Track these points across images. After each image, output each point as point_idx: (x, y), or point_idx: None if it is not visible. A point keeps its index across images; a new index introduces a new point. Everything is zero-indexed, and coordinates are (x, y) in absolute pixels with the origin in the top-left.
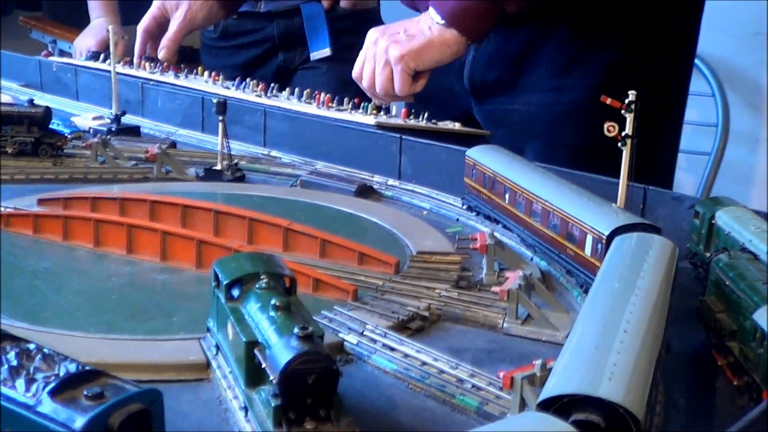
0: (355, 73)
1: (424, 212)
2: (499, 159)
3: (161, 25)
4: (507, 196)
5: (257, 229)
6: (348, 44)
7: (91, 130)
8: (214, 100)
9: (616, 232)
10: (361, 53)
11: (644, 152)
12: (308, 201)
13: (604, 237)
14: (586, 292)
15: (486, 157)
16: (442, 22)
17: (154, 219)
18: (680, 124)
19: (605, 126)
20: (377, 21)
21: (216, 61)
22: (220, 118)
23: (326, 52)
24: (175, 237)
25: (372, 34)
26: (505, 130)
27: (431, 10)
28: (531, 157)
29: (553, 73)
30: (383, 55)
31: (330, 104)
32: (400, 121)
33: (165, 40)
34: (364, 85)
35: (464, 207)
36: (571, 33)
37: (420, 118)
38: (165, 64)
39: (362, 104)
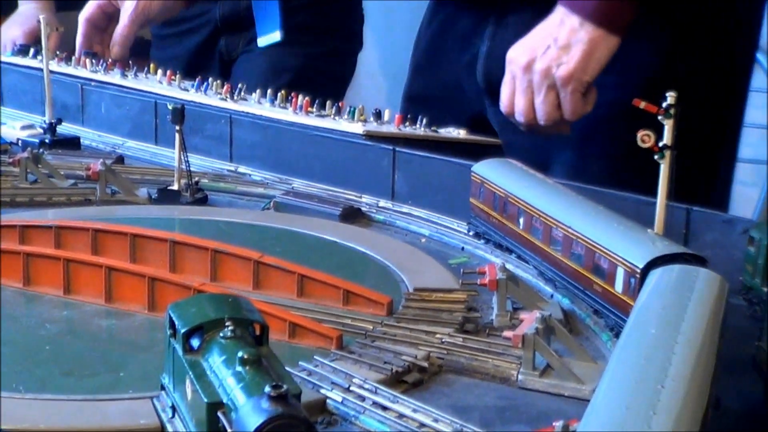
0: (505, 108)
1: (423, 240)
2: (512, 175)
3: (108, 15)
4: (521, 220)
5: (222, 262)
6: (298, 26)
7: (20, 142)
8: (170, 106)
9: (653, 263)
10: (506, 83)
11: (695, 164)
12: (284, 227)
13: (639, 270)
14: (617, 336)
15: (496, 173)
16: (587, 21)
17: (97, 252)
18: (739, 127)
19: (638, 135)
20: (352, 2)
21: (162, 52)
22: (177, 127)
23: (275, 36)
24: (123, 273)
25: (518, 57)
26: (526, 138)
27: (562, 10)
28: (559, 172)
29: None
30: (544, 79)
31: (309, 109)
32: (393, 129)
33: (117, 36)
34: (521, 120)
35: (470, 233)
36: None
37: (417, 125)
38: (110, 60)
39: (349, 108)
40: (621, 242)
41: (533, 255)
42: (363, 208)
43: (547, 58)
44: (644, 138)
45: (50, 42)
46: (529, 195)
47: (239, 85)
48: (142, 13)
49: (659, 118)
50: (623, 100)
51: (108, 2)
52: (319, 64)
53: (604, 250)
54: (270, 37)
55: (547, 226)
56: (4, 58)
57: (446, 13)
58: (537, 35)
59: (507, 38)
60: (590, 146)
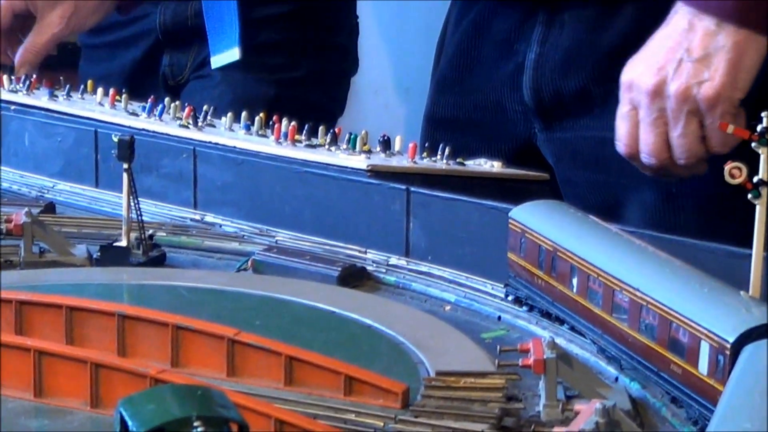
0: (625, 148)
1: (447, 308)
2: (564, 222)
3: (21, 17)
4: (576, 281)
5: (187, 342)
6: (266, 45)
7: None
8: (115, 137)
9: (748, 337)
10: (624, 116)
11: None
12: (265, 294)
13: (729, 345)
14: (702, 431)
15: (542, 220)
16: (726, 22)
17: (22, 331)
18: None
19: (726, 168)
20: (339, 10)
21: (91, 67)
22: (125, 165)
23: (233, 54)
24: (57, 359)
25: (641, 80)
26: (589, 172)
27: (687, 10)
28: (634, 217)
29: None
30: (682, 104)
31: (297, 137)
32: (406, 163)
33: (29, 52)
34: (651, 161)
35: (509, 298)
36: None
37: (438, 156)
38: (35, 76)
39: (348, 136)
40: (706, 309)
41: (592, 326)
42: (368, 268)
43: (683, 76)
44: (733, 172)
45: None
46: (586, 248)
47: (205, 108)
48: (73, 29)
49: (753, 145)
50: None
51: (23, 6)
52: (297, 93)
53: (684, 320)
54: (226, 55)
55: (608, 288)
56: None
57: (481, 8)
58: (659, 47)
59: (562, 42)
60: (678, 184)
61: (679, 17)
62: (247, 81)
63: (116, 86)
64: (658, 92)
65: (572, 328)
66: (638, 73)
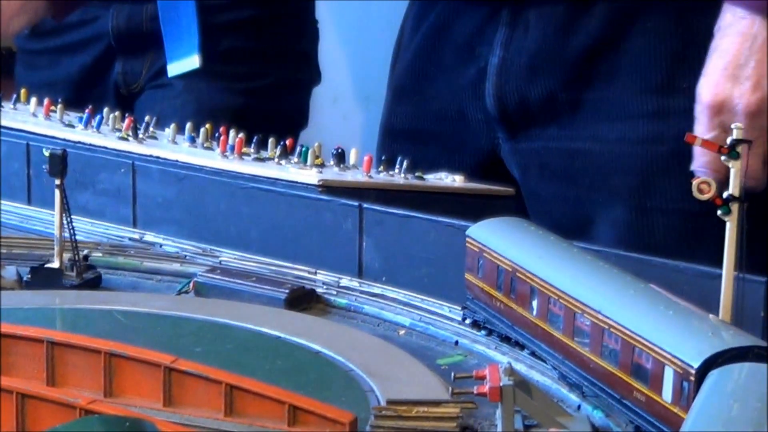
0: (715, 175)
1: (401, 332)
2: (523, 240)
3: None
4: (535, 303)
5: (120, 370)
6: (231, 51)
7: None
8: (46, 152)
9: (714, 362)
10: (710, 141)
11: None
12: (207, 318)
13: (693, 371)
14: None
15: (500, 238)
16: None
17: None
18: None
19: (694, 183)
20: (301, 15)
21: (30, 74)
22: (57, 180)
23: (193, 62)
24: None
25: (733, 99)
26: (557, 186)
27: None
28: (605, 235)
29: (653, 84)
30: None
31: (244, 150)
32: (360, 178)
33: None
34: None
35: (467, 322)
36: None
37: (397, 170)
38: None
39: (299, 149)
40: (671, 333)
41: (552, 351)
42: (318, 290)
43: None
44: (702, 187)
45: None
46: (547, 268)
47: (146, 119)
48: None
49: (722, 158)
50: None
51: None
52: (263, 102)
53: (648, 345)
54: (185, 63)
55: (569, 311)
56: None
57: (441, 10)
58: (744, 59)
59: (527, 45)
60: (651, 198)
61: (748, 24)
62: (212, 90)
63: (60, 95)
64: (759, 111)
65: (533, 354)
66: (727, 91)
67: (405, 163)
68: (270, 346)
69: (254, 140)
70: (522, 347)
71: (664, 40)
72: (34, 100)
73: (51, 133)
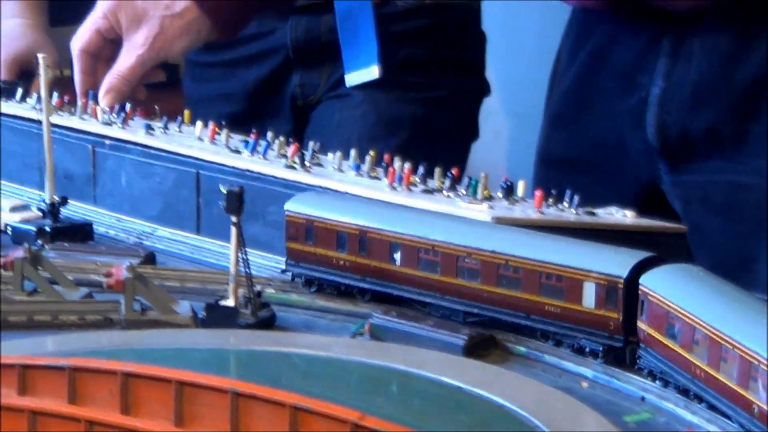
0: None
1: (583, 384)
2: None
3: (110, 41)
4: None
5: (306, 424)
6: (408, 61)
7: (9, 230)
8: (223, 189)
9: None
10: None
11: None
12: (386, 365)
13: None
14: None
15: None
16: None
17: (128, 409)
18: None
19: None
20: (472, 24)
21: (200, 88)
22: (234, 218)
23: (372, 72)
24: None
25: None
26: (721, 220)
27: None
28: None
29: None
30: None
31: (412, 179)
32: (532, 213)
33: (115, 79)
34: None
35: (644, 372)
36: None
37: (567, 205)
38: (130, 107)
39: (469, 181)
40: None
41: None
42: (498, 336)
43: None
44: None
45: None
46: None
47: (311, 145)
48: (158, 53)
49: None
50: None
51: (108, 26)
52: (439, 112)
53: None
54: (363, 73)
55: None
56: None
57: (599, 37)
58: None
59: (690, 76)
60: None
61: None
62: (390, 100)
63: (235, 107)
64: None
65: (711, 407)
66: None
67: (575, 199)
68: (452, 398)
69: (419, 169)
70: (700, 400)
71: None
72: (199, 123)
73: (219, 160)
